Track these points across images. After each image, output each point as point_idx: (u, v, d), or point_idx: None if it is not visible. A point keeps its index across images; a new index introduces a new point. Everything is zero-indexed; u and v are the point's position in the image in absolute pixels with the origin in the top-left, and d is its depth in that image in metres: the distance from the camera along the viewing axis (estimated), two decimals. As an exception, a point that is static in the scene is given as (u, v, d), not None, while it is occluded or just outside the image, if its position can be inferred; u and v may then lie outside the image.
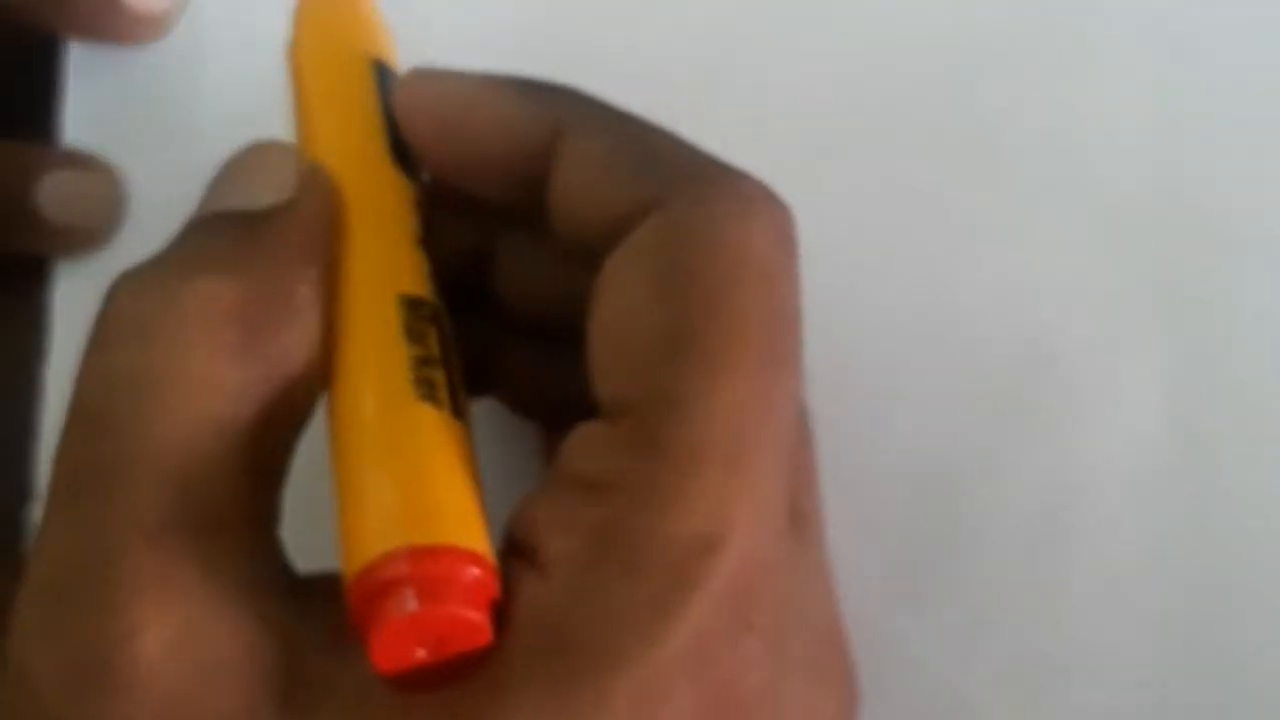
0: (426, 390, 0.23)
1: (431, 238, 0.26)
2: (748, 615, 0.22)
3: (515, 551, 0.23)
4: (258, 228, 0.24)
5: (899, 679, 0.30)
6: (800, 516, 0.25)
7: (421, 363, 0.23)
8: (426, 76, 0.27)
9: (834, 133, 0.34)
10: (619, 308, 0.23)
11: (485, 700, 0.21)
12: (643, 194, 0.23)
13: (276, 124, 0.28)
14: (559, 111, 0.25)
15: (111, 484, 0.22)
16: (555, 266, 0.26)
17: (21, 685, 0.21)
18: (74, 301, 0.32)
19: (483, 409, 0.30)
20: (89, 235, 0.32)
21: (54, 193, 0.32)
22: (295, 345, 0.23)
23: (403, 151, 0.26)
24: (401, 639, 0.21)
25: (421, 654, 0.21)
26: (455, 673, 0.21)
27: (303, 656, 0.22)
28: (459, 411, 0.23)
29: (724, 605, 0.21)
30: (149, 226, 0.25)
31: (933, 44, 0.34)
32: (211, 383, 0.22)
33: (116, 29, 0.33)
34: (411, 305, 0.24)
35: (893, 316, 0.33)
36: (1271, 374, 0.32)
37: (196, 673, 0.21)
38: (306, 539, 0.24)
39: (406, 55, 0.28)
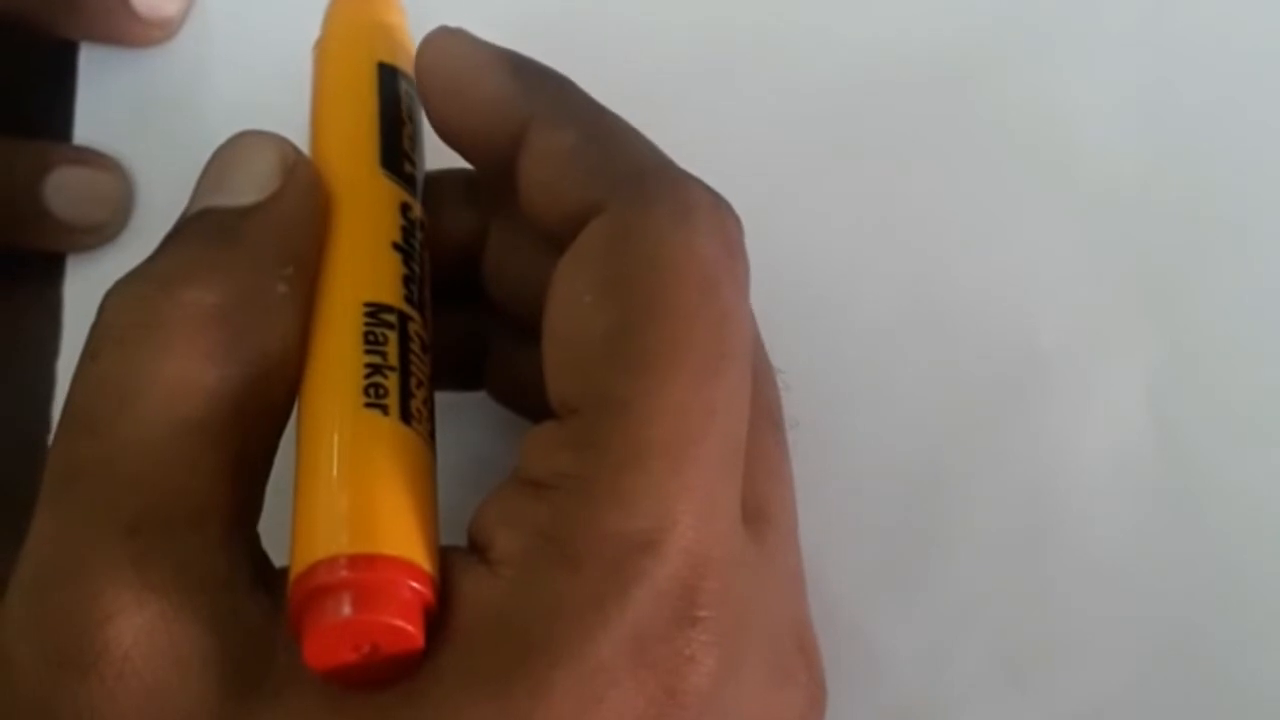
0: (375, 397, 0.23)
1: (424, 236, 0.26)
2: (692, 612, 0.22)
3: (473, 548, 0.23)
4: (237, 228, 0.24)
5: (882, 674, 0.30)
6: (763, 518, 0.25)
7: (374, 370, 0.23)
8: (447, 37, 0.27)
9: (822, 135, 0.34)
10: (566, 311, 0.24)
11: (424, 694, 0.21)
12: (592, 195, 0.24)
13: (281, 123, 0.28)
14: (536, 97, 0.25)
15: (92, 482, 0.23)
16: (540, 261, 0.27)
17: (5, 672, 0.22)
18: (84, 298, 0.33)
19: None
20: (96, 231, 0.33)
21: (62, 189, 0.32)
22: (274, 343, 0.24)
23: (394, 154, 0.27)
24: (334, 641, 0.21)
25: (354, 656, 0.21)
26: (402, 670, 0.22)
27: (270, 650, 0.22)
28: (409, 417, 0.23)
29: (666, 601, 0.22)
30: (157, 224, 0.25)
31: (919, 48, 0.34)
32: (190, 386, 0.23)
33: (126, 31, 0.34)
34: (374, 311, 0.24)
35: (878, 314, 0.33)
36: (1252, 371, 0.32)
37: (168, 662, 0.21)
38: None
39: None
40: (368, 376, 0.23)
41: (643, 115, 0.26)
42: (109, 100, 0.34)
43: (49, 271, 0.33)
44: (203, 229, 0.25)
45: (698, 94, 0.34)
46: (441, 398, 0.27)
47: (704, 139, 0.32)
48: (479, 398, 0.31)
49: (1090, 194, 0.33)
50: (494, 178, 0.26)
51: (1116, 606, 0.31)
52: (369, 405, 0.23)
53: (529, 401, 0.29)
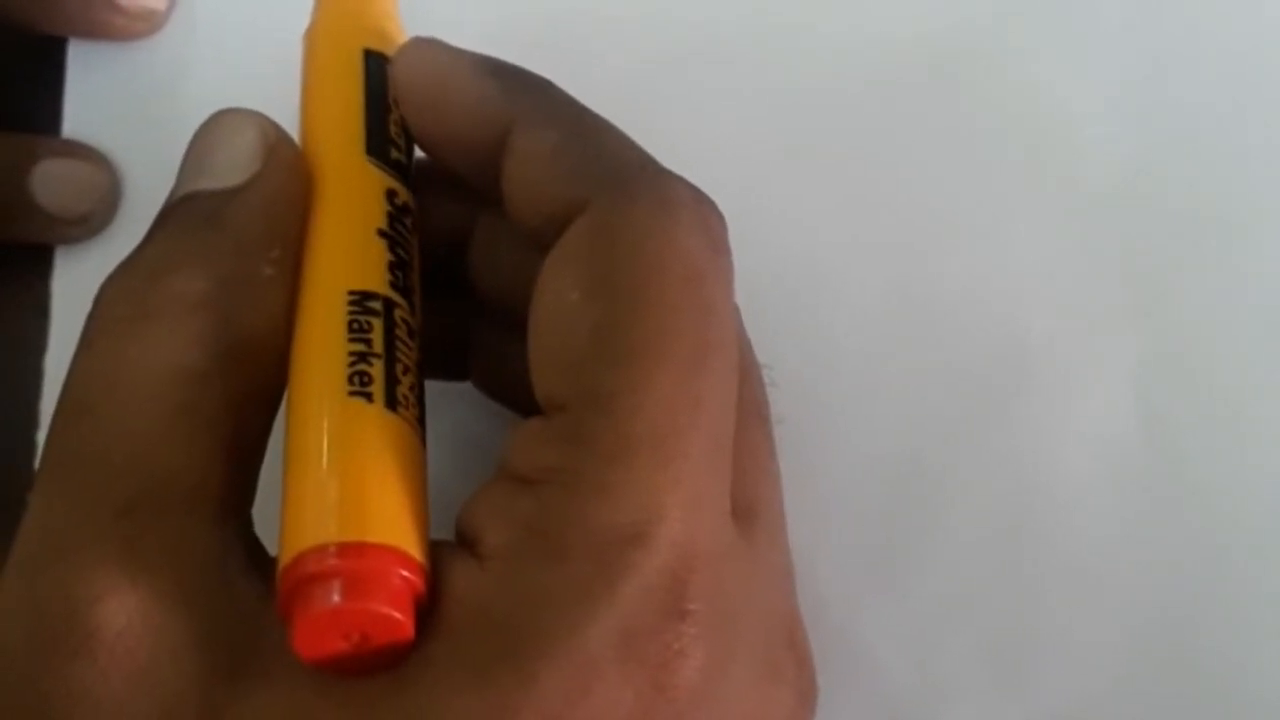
0: (359, 385, 0.23)
1: (413, 221, 0.26)
2: (681, 605, 0.22)
3: (461, 542, 0.23)
4: (222, 212, 0.24)
5: (870, 671, 0.30)
6: (751, 513, 0.25)
7: (359, 358, 0.23)
8: (422, 47, 0.27)
9: (809, 132, 0.34)
10: (552, 309, 0.24)
11: (412, 683, 0.21)
12: (575, 194, 0.24)
13: (269, 115, 0.29)
14: (518, 100, 0.26)
15: (84, 467, 0.23)
16: (525, 257, 0.27)
17: None
18: (73, 292, 0.33)
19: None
20: (83, 223, 0.33)
21: (48, 180, 0.32)
22: (262, 325, 0.24)
23: (380, 141, 0.27)
24: (324, 630, 0.21)
25: (344, 645, 0.21)
26: (392, 659, 0.22)
27: (261, 633, 0.22)
28: (394, 404, 0.23)
29: (654, 594, 0.22)
30: (145, 216, 0.25)
31: (907, 44, 0.34)
32: (180, 371, 0.23)
33: (111, 25, 0.33)
34: (359, 299, 0.24)
35: (865, 311, 0.33)
36: (1239, 367, 0.32)
37: (160, 642, 0.22)
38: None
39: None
40: (352, 365, 0.23)
41: (629, 114, 0.26)
42: (97, 94, 0.34)
43: (37, 266, 0.33)
44: (187, 214, 0.25)
45: (685, 92, 0.34)
46: (432, 385, 0.27)
47: (691, 137, 0.32)
48: (469, 385, 0.31)
49: (1077, 190, 0.33)
50: (478, 184, 0.26)
51: (1104, 603, 0.31)
52: (354, 394, 0.23)
53: (515, 393, 0.29)
